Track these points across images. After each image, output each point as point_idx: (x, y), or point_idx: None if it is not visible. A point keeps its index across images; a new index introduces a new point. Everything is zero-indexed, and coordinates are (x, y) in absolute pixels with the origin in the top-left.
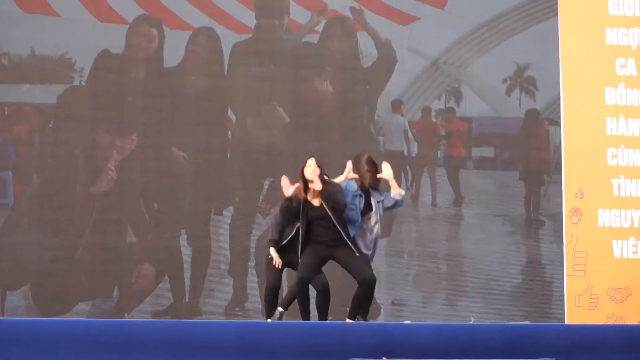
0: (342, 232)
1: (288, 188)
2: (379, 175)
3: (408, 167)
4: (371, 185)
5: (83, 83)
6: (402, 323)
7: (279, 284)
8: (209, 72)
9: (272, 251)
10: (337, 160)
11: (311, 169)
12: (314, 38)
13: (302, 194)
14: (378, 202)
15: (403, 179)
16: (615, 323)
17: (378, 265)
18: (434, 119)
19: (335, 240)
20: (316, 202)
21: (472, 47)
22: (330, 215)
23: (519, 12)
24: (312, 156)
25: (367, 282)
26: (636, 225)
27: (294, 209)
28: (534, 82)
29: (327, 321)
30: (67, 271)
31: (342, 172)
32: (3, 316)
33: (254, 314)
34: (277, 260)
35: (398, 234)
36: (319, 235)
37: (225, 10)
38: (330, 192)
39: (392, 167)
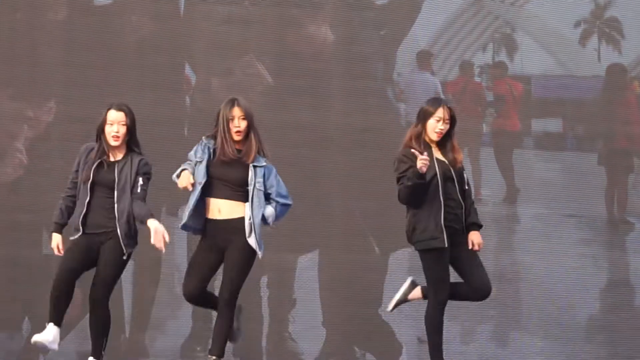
0: None
1: None
2: None
3: None
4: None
5: None
6: None
7: None
8: (158, 11)
9: None
10: (339, 135)
11: None
12: None
13: None
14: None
15: None
16: None
17: (398, 286)
18: (477, 79)
19: None
20: None
21: None
22: None
23: None
24: None
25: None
26: None
27: None
28: (618, 27)
29: None
30: None
31: (346, 155)
32: None
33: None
34: None
35: None
36: None
37: None
38: None
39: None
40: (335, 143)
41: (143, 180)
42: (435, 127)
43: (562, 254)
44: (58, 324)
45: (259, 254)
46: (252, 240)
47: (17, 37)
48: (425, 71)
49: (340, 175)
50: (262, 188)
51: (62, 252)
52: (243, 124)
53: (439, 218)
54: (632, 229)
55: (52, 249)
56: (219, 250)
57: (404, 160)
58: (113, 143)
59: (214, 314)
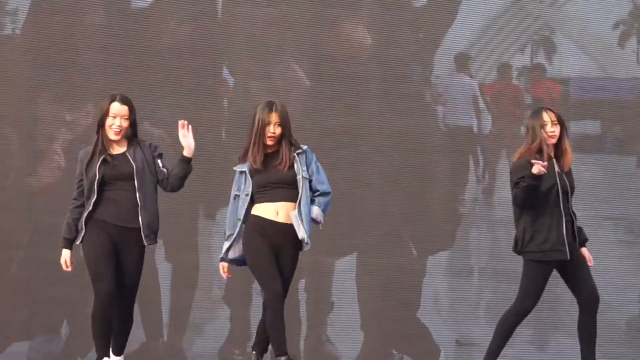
0: None
1: None
2: None
3: (479, 149)
4: None
5: (18, 32)
6: None
7: None
8: (195, 14)
9: None
10: (377, 138)
11: None
12: None
13: None
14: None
15: (472, 166)
16: None
17: (436, 288)
18: (515, 81)
19: None
20: None
21: None
22: None
23: None
24: None
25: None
26: None
27: None
28: None
29: None
30: None
31: (384, 159)
32: None
33: None
34: None
35: (464, 244)
36: None
37: None
38: None
39: (456, 147)
40: (372, 147)
41: (162, 162)
42: (546, 132)
43: (602, 256)
44: (109, 356)
45: (309, 245)
46: (301, 233)
47: (55, 41)
48: (463, 74)
49: (378, 178)
50: (307, 176)
51: (70, 267)
52: (278, 130)
53: (562, 230)
54: None
55: (61, 265)
56: (274, 250)
57: (524, 166)
58: (113, 137)
59: (254, 316)
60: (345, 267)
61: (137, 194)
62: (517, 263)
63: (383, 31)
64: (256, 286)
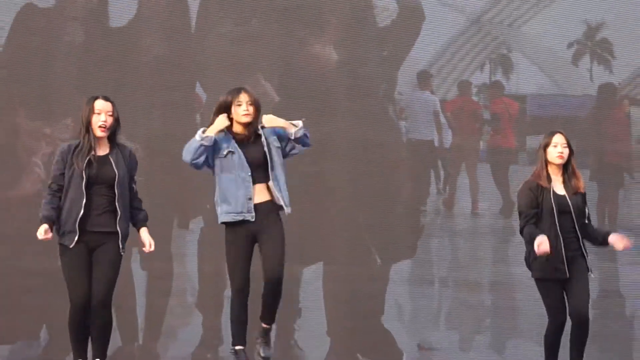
0: None
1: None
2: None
3: (440, 163)
4: None
5: (0, 49)
6: None
7: None
8: (170, 32)
9: None
10: (343, 152)
11: None
12: None
13: None
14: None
15: (433, 179)
16: None
17: (399, 296)
18: (474, 98)
19: None
20: None
21: None
22: None
23: None
24: None
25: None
26: None
27: None
28: (609, 47)
29: None
30: None
31: (349, 170)
32: None
33: None
34: None
35: (426, 253)
36: None
37: None
38: None
39: (418, 160)
40: (339, 158)
41: (135, 177)
42: (554, 152)
43: None
44: (86, 359)
45: (287, 210)
46: (281, 201)
47: (35, 58)
48: (425, 90)
49: (344, 189)
50: (278, 143)
51: (49, 235)
52: (251, 109)
53: (560, 250)
54: None
55: (39, 235)
56: (253, 235)
57: (526, 193)
58: (99, 134)
59: (224, 323)
60: (312, 275)
61: (117, 204)
62: (477, 273)
63: (349, 49)
64: (227, 294)
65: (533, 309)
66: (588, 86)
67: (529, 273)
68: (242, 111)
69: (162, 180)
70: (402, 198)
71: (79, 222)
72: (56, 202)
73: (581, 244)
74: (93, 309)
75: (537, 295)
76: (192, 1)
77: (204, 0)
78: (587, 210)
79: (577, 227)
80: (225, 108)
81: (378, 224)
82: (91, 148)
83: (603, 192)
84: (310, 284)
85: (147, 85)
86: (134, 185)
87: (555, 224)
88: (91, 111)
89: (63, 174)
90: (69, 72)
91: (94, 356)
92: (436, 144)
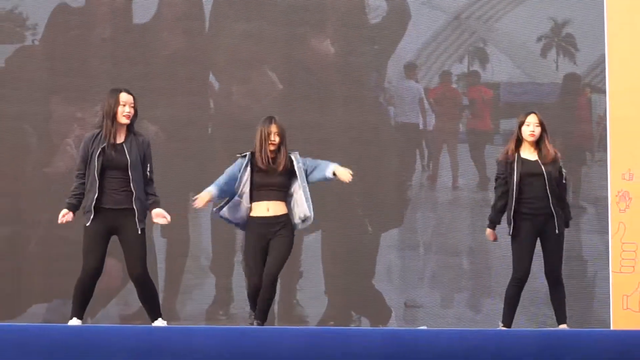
0: None
1: None
2: None
3: (424, 143)
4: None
5: (36, 43)
6: (417, 329)
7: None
8: (187, 29)
9: None
10: (339, 133)
11: None
12: None
13: None
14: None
15: (418, 157)
16: None
17: (388, 260)
18: (454, 86)
19: None
20: None
21: None
22: None
23: None
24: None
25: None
26: None
27: None
28: (573, 42)
29: (328, 327)
30: (18, 268)
31: (345, 150)
32: None
33: (240, 319)
34: None
35: (412, 222)
36: None
37: None
38: None
39: (405, 141)
40: (335, 140)
41: (150, 164)
42: (527, 130)
43: None
44: (81, 318)
45: (311, 218)
46: (306, 212)
47: (68, 51)
48: (411, 80)
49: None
50: (303, 165)
51: (65, 220)
52: (277, 139)
53: (510, 210)
54: (585, 211)
55: (59, 219)
56: (267, 241)
57: (502, 163)
58: (124, 121)
59: (235, 283)
60: (312, 242)
61: (132, 184)
62: (456, 239)
63: (344, 44)
64: (238, 258)
65: (505, 272)
66: (554, 75)
67: (503, 239)
68: (270, 141)
69: (181, 159)
70: (390, 174)
71: (95, 202)
72: (79, 189)
73: (551, 206)
74: (135, 283)
75: (509, 256)
76: (207, 1)
77: (216, 1)
78: (563, 181)
79: (548, 190)
80: (264, 135)
81: (370, 197)
82: (112, 136)
83: (568, 169)
84: (310, 250)
85: (167, 76)
86: (148, 173)
87: (519, 186)
88: (117, 102)
89: (86, 160)
90: (101, 63)
91: (153, 319)
92: (421, 126)
